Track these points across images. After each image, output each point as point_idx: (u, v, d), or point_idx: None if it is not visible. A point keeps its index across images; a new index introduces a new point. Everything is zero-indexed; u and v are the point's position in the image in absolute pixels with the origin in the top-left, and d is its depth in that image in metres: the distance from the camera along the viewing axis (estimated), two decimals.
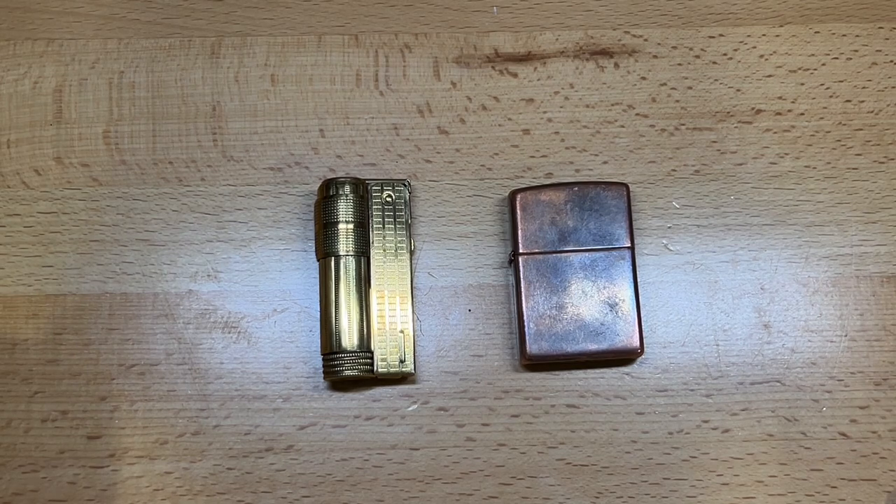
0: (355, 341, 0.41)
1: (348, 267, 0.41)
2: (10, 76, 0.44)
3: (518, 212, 0.42)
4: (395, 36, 0.45)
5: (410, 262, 0.42)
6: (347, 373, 0.40)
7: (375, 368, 0.41)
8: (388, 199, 0.42)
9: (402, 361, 0.41)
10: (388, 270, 0.42)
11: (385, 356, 0.41)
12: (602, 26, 0.45)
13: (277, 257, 0.43)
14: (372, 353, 0.41)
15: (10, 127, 0.44)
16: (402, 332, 0.41)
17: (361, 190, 0.42)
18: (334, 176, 0.43)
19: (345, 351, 0.40)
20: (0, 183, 0.44)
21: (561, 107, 0.45)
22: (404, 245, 0.42)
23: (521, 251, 0.42)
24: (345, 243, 0.41)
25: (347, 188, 0.42)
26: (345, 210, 0.41)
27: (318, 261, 0.42)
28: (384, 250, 0.42)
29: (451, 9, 0.45)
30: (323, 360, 0.41)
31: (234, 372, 0.42)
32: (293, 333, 0.43)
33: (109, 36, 0.45)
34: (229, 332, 0.43)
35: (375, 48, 0.45)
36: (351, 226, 0.41)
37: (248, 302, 0.43)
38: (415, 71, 0.45)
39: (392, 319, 0.41)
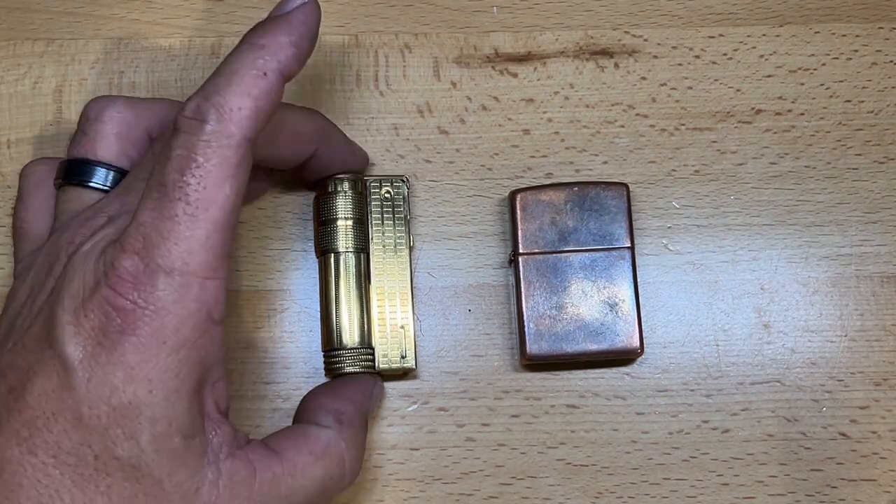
0: (356, 338, 0.41)
1: (348, 263, 0.41)
2: (10, 76, 0.44)
3: (518, 212, 0.42)
4: (395, 36, 0.45)
5: (410, 258, 0.42)
6: (349, 369, 0.40)
7: (377, 365, 0.41)
8: (387, 195, 0.42)
9: (403, 357, 0.41)
10: (388, 266, 0.42)
11: (386, 352, 0.41)
12: (602, 26, 0.45)
13: (277, 257, 0.43)
14: (373, 349, 0.41)
15: (10, 127, 0.44)
16: (402, 328, 0.41)
17: (360, 186, 0.42)
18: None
19: (345, 348, 0.40)
20: (0, 183, 0.44)
21: (561, 107, 0.45)
22: (404, 241, 0.42)
23: (521, 251, 0.42)
24: (344, 240, 0.41)
25: (346, 185, 0.41)
26: (343, 206, 0.41)
27: (318, 258, 0.42)
28: (384, 246, 0.42)
29: (451, 9, 0.45)
30: (324, 357, 0.41)
31: (234, 372, 0.42)
32: (293, 333, 0.43)
33: (109, 36, 0.45)
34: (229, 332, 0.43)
35: (375, 48, 0.45)
36: (350, 222, 0.41)
37: (249, 302, 0.43)
38: (415, 71, 0.45)
39: (392, 315, 0.41)
